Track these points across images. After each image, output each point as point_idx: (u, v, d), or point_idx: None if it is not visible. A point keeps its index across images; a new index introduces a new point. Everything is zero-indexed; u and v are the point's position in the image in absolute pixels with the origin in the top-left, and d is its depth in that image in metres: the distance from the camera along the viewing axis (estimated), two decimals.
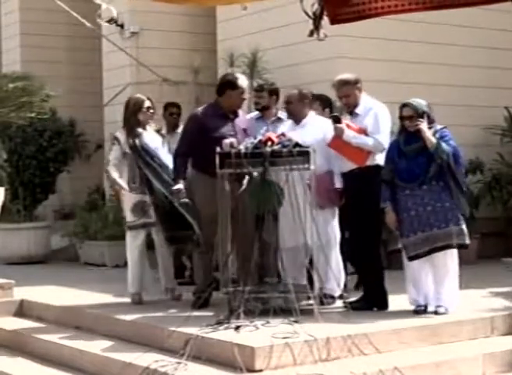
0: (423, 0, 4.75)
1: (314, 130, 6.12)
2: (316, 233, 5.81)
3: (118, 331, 5.86)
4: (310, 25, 5.79)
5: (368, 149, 5.95)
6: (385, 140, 5.94)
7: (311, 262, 6.17)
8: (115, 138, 6.57)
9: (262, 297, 5.74)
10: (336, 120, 5.96)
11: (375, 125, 5.96)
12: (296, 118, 6.27)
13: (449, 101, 8.85)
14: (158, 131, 6.71)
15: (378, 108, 6.04)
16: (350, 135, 5.92)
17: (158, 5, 10.60)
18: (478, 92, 9.28)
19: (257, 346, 4.84)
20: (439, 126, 5.79)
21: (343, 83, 6.05)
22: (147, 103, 6.61)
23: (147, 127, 6.59)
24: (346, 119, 6.08)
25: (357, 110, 6.06)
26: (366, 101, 6.06)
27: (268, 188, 5.65)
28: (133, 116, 6.54)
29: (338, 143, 5.98)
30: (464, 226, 5.70)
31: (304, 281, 5.88)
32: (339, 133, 5.93)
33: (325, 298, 6.06)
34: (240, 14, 9.41)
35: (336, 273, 6.13)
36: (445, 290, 5.75)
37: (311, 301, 5.64)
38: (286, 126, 6.34)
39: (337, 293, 6.17)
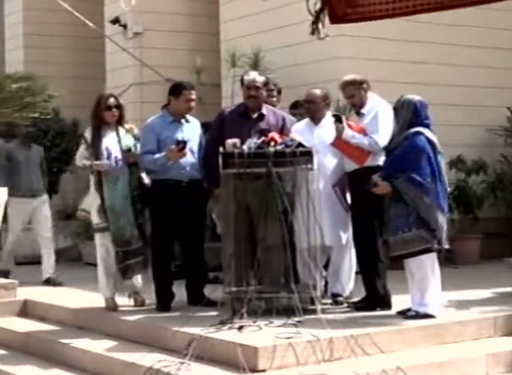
0: (432, 1, 4.72)
1: (331, 129, 6.09)
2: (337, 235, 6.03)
3: (121, 331, 5.86)
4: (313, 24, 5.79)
5: (366, 149, 5.94)
6: (383, 139, 5.88)
7: (327, 263, 6.24)
8: (83, 137, 6.30)
9: (265, 297, 5.73)
10: (337, 120, 5.97)
11: (374, 124, 5.95)
12: (317, 117, 6.25)
13: (452, 102, 8.85)
14: (128, 131, 6.34)
15: (380, 107, 6.03)
16: (349, 134, 5.92)
17: (161, 6, 10.65)
18: (481, 92, 9.27)
19: (260, 346, 4.83)
20: (413, 130, 5.58)
21: (348, 84, 6.05)
22: (111, 101, 6.23)
23: (120, 128, 6.26)
24: (351, 120, 6.09)
25: (363, 110, 6.06)
26: (372, 102, 6.06)
27: (271, 188, 5.63)
28: (95, 115, 6.20)
29: (340, 142, 6.00)
30: (421, 233, 5.46)
31: (309, 281, 5.85)
32: (338, 132, 5.94)
33: (334, 297, 6.11)
34: (242, 14, 9.46)
35: (346, 274, 6.19)
36: (414, 293, 5.65)
37: (325, 301, 5.71)
38: (301, 126, 6.34)
39: (346, 293, 6.19)
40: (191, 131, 6.34)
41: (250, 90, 6.18)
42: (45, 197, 8.37)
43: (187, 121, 6.36)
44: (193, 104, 6.30)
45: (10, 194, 7.64)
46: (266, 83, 6.33)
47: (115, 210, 6.10)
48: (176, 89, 6.30)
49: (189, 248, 6.33)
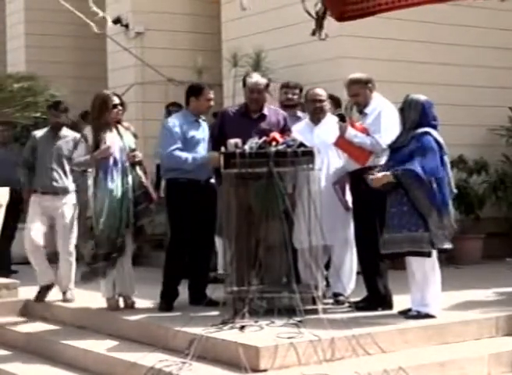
0: None
1: (331, 128, 6.11)
2: (338, 234, 6.06)
3: (122, 331, 5.85)
4: (313, 25, 5.79)
5: (368, 149, 5.93)
6: (386, 140, 5.86)
7: (328, 262, 6.24)
8: (83, 136, 6.26)
9: (267, 297, 5.72)
10: (341, 119, 5.97)
11: (376, 125, 5.94)
12: (319, 117, 6.29)
13: (454, 102, 8.82)
14: (127, 129, 6.33)
15: (384, 107, 6.01)
16: (351, 134, 5.92)
17: (163, 6, 10.64)
18: (482, 92, 9.25)
19: (261, 346, 4.82)
20: (421, 130, 5.57)
21: (354, 82, 6.05)
22: (115, 100, 6.22)
23: (120, 127, 6.24)
24: (353, 120, 6.09)
25: (367, 110, 6.05)
26: (376, 102, 6.05)
27: (273, 188, 5.62)
28: (100, 116, 6.13)
29: (342, 142, 5.99)
30: (420, 234, 5.44)
31: (311, 281, 5.82)
32: (341, 132, 5.94)
33: (335, 297, 6.11)
34: (244, 14, 9.45)
35: (348, 274, 6.19)
36: (415, 293, 5.64)
37: (326, 301, 5.73)
38: (301, 126, 6.37)
39: (347, 293, 6.19)
40: (206, 130, 6.42)
41: (252, 93, 6.21)
42: (70, 197, 6.99)
43: (203, 120, 6.43)
44: (212, 103, 6.36)
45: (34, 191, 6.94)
46: (267, 85, 6.33)
47: (104, 211, 6.04)
48: (197, 89, 6.34)
49: (199, 248, 6.31)
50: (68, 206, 6.91)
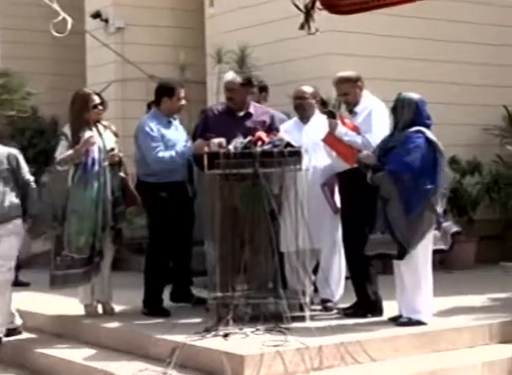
0: None
1: (321, 127, 6.00)
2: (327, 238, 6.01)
3: (101, 339, 5.75)
4: (301, 20, 5.65)
5: (358, 148, 5.80)
6: (376, 139, 5.77)
7: (316, 267, 6.18)
8: (63, 134, 6.08)
9: (252, 303, 5.64)
10: (331, 116, 5.85)
11: (367, 124, 5.85)
12: (306, 115, 6.19)
13: (446, 100, 8.80)
14: (106, 128, 6.15)
15: (375, 106, 5.92)
16: (342, 132, 5.83)
17: (144, 0, 10.51)
18: (475, 90, 9.22)
19: (246, 354, 4.73)
20: (413, 129, 5.49)
21: (343, 81, 5.95)
22: (96, 99, 6.06)
23: (99, 126, 6.09)
24: (344, 117, 5.99)
25: (357, 109, 5.95)
26: (366, 100, 5.95)
27: (258, 190, 5.55)
28: (80, 116, 5.97)
29: (331, 139, 5.89)
30: (387, 236, 5.40)
31: (298, 287, 5.74)
32: (331, 128, 5.83)
33: (323, 303, 6.03)
34: (228, 9, 9.34)
35: (336, 279, 6.10)
36: (405, 299, 5.56)
37: (314, 307, 5.73)
38: (290, 124, 6.29)
39: (335, 299, 6.10)
40: (180, 129, 6.33)
41: (227, 92, 6.18)
42: (11, 224, 5.93)
43: (175, 119, 6.32)
44: (184, 102, 6.25)
45: None
46: (245, 84, 6.17)
47: (77, 213, 5.89)
48: (170, 89, 6.21)
49: (183, 248, 6.28)
50: (7, 235, 5.92)
